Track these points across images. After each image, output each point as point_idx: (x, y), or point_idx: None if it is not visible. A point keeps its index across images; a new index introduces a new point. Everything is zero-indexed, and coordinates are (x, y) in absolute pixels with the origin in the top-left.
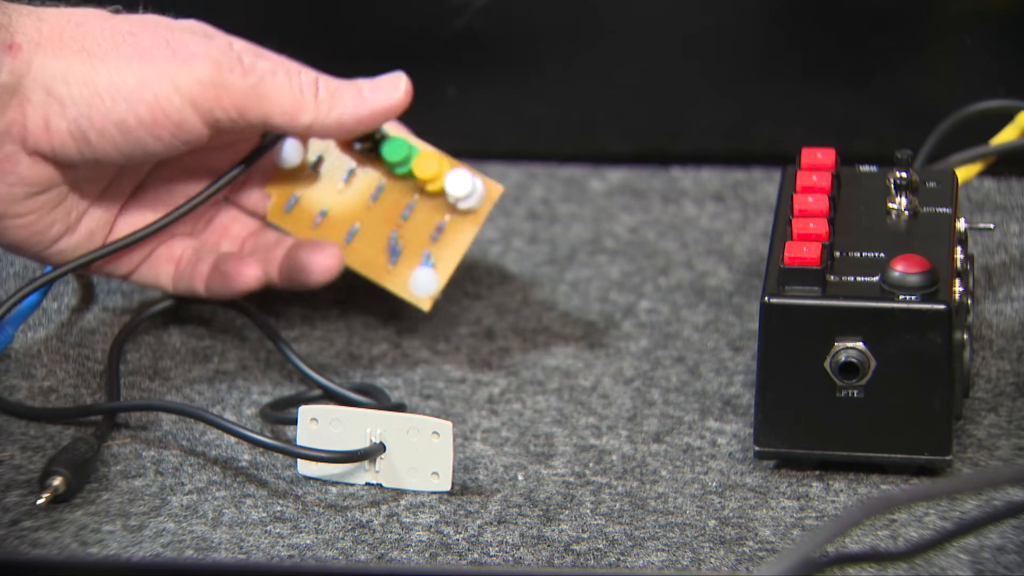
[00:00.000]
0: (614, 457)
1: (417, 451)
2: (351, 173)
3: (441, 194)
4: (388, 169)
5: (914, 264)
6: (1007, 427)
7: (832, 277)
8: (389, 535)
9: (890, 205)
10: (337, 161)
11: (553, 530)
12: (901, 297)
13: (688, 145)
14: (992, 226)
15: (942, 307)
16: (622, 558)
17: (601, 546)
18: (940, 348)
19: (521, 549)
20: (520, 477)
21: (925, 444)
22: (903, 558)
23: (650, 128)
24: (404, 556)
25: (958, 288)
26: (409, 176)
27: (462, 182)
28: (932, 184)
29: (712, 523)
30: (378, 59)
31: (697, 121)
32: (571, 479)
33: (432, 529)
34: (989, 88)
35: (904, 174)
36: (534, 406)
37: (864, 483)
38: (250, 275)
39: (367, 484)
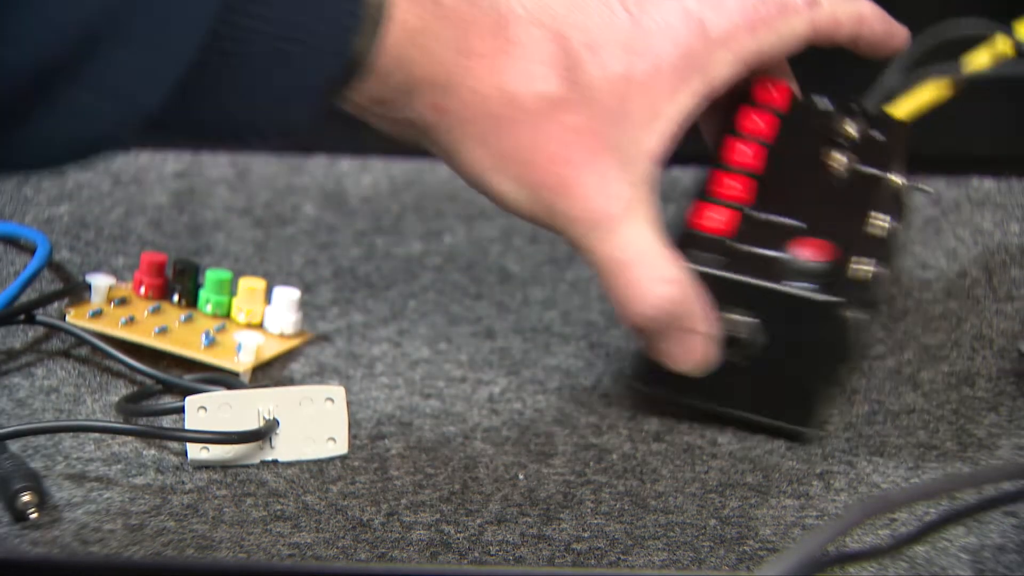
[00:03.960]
0: (614, 456)
1: (312, 420)
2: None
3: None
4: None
5: (817, 251)
6: (1007, 427)
7: (739, 245)
8: (389, 534)
9: (827, 160)
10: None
11: (554, 529)
12: (798, 285)
13: (688, 145)
14: (932, 190)
15: (837, 300)
16: (623, 557)
17: (601, 545)
18: (832, 338)
19: (521, 548)
20: (520, 476)
21: (802, 417)
22: (890, 552)
23: None
24: (404, 555)
25: (868, 267)
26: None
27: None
28: (878, 135)
29: (712, 522)
30: None
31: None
32: (571, 478)
33: (432, 528)
34: None
35: (849, 125)
36: (534, 405)
37: (864, 483)
38: None
39: (263, 462)
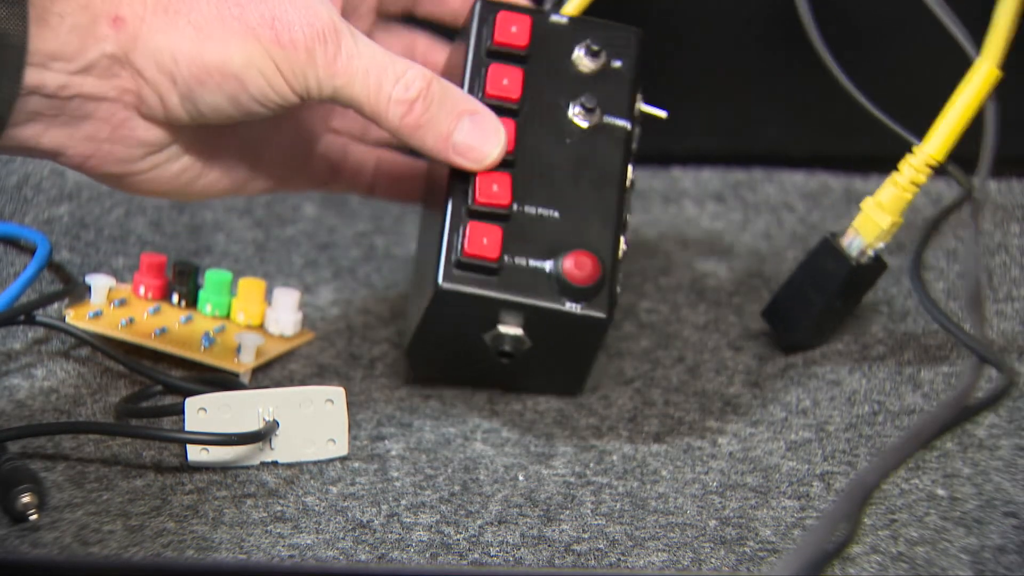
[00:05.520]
0: (614, 457)
1: (312, 421)
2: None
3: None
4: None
5: (582, 269)
6: (1007, 427)
7: (507, 259)
8: (390, 535)
9: (570, 115)
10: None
11: (554, 530)
12: (568, 304)
13: (688, 145)
14: (665, 114)
15: (602, 316)
16: (623, 558)
17: (602, 546)
18: (594, 343)
19: (522, 549)
20: (521, 477)
21: (565, 388)
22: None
23: (651, 128)
24: (405, 556)
25: (623, 246)
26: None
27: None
28: (617, 64)
29: (713, 523)
30: None
31: (697, 121)
32: (572, 479)
33: (433, 529)
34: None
35: (587, 60)
36: (535, 407)
37: None
38: None
39: (263, 463)
